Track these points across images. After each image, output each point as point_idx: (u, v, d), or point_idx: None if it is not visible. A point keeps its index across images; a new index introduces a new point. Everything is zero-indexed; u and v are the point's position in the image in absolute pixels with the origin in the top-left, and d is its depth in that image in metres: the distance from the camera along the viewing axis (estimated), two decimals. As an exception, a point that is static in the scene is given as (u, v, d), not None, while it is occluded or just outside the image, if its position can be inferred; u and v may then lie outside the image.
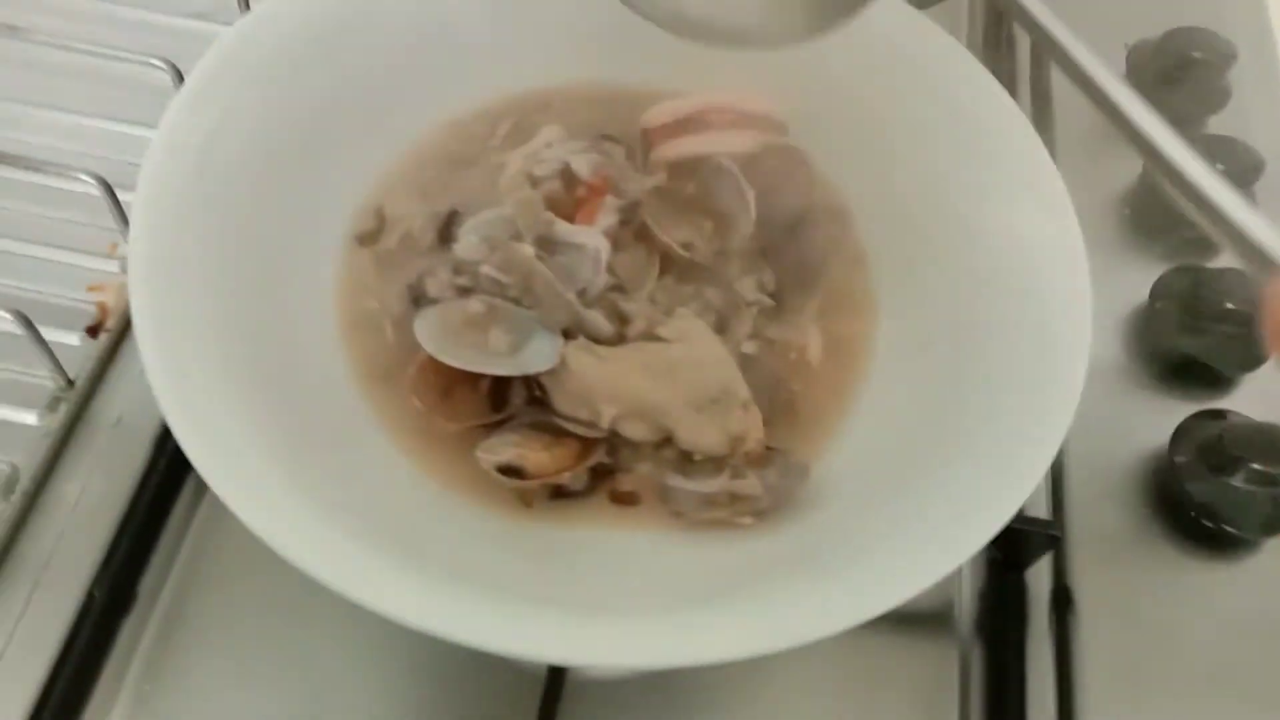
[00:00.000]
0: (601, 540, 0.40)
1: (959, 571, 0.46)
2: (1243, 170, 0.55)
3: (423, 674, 0.43)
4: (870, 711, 0.44)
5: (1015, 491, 0.35)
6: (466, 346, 0.41)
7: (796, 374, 0.44)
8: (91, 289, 0.50)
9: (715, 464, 0.41)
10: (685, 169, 0.46)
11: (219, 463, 0.34)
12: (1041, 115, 0.60)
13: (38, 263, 0.51)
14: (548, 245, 0.43)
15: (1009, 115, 0.44)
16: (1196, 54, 0.59)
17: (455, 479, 0.41)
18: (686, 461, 0.42)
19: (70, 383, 0.47)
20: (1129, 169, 0.57)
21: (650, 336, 0.42)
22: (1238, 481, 0.46)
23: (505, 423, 0.42)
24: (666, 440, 0.42)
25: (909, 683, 0.44)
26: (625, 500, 0.42)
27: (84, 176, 0.48)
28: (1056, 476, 0.48)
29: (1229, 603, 0.46)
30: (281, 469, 0.35)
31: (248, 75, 0.43)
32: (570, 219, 0.44)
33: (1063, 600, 0.45)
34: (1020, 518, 0.43)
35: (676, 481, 0.41)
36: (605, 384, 0.41)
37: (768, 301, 0.45)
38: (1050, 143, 0.57)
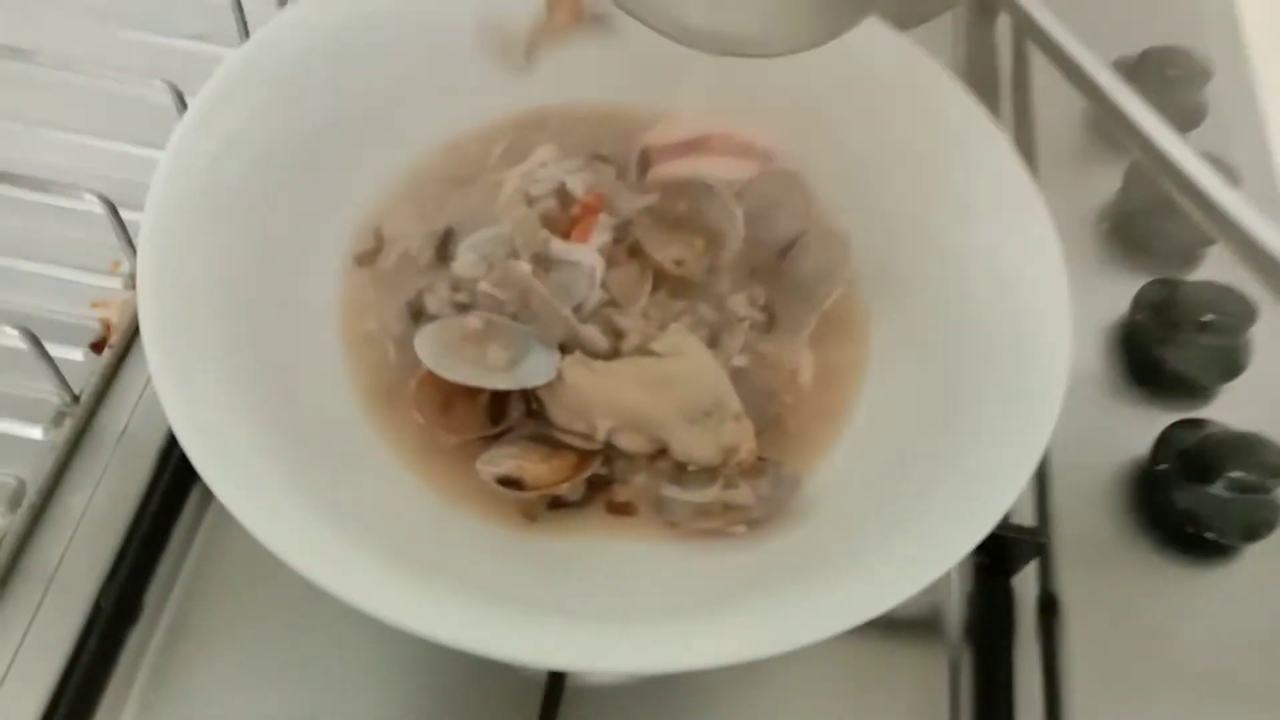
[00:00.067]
0: (599, 549, 0.41)
1: (948, 578, 0.46)
2: (1219, 185, 0.55)
3: (425, 681, 0.43)
4: (863, 715, 0.44)
5: (999, 500, 0.36)
6: (465, 361, 0.42)
7: (788, 387, 0.45)
8: (95, 305, 0.51)
9: (709, 474, 0.42)
10: (678, 189, 0.47)
11: (224, 471, 0.35)
12: (1024, 133, 0.61)
13: (42, 280, 0.51)
14: (544, 262, 0.44)
15: (991, 137, 0.45)
16: (1172, 72, 0.60)
17: (457, 490, 0.41)
18: (681, 472, 0.42)
19: (75, 398, 0.47)
20: (1110, 185, 0.58)
21: (644, 351, 0.43)
22: (1218, 489, 0.46)
23: (504, 435, 0.43)
24: (661, 452, 0.42)
25: (901, 687, 0.44)
26: (621, 510, 0.42)
27: (87, 195, 0.49)
28: (1042, 485, 0.49)
29: (1212, 607, 0.46)
30: (286, 478, 0.36)
31: (251, 99, 0.44)
32: (565, 237, 0.45)
33: (1049, 605, 0.46)
34: (1007, 525, 0.44)
35: (671, 492, 0.42)
36: (601, 397, 0.41)
37: (759, 316, 0.46)
38: (1032, 160, 0.59)
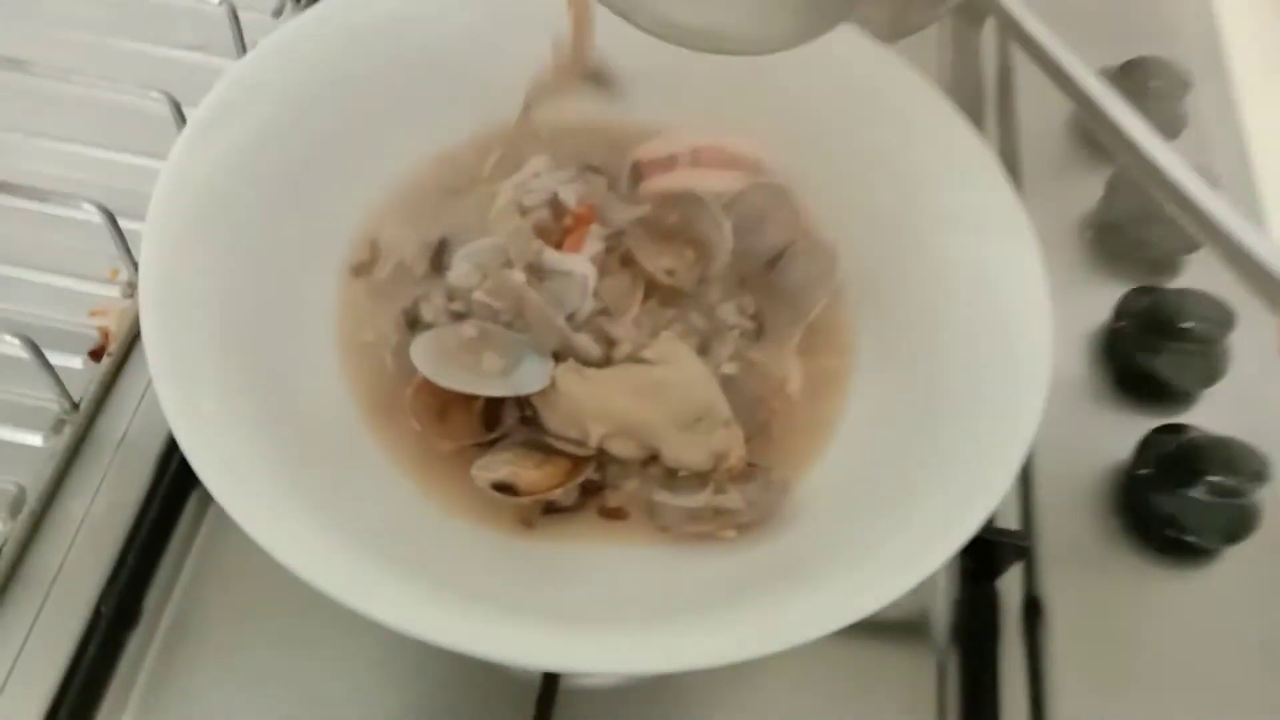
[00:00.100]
0: (592, 553, 0.42)
1: (934, 581, 0.46)
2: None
3: (421, 683, 0.44)
4: (852, 716, 0.44)
5: (983, 504, 0.37)
6: (461, 369, 0.42)
7: (776, 395, 0.46)
8: (94, 314, 0.51)
9: (699, 480, 0.42)
10: (669, 201, 0.48)
11: (224, 476, 0.35)
12: (1008, 142, 0.61)
13: (41, 288, 0.51)
14: (537, 272, 0.45)
15: (975, 150, 0.45)
16: (1154, 83, 0.60)
17: (453, 496, 0.42)
18: (672, 478, 0.43)
19: (74, 405, 0.47)
20: (1092, 194, 0.58)
21: (636, 359, 0.43)
22: (1198, 493, 0.46)
23: (499, 442, 0.43)
24: (652, 457, 0.43)
25: (888, 689, 0.45)
26: (614, 515, 0.43)
27: (86, 205, 0.49)
28: (1026, 489, 0.49)
29: (1192, 609, 0.47)
30: (285, 484, 0.37)
31: (249, 112, 0.44)
32: (558, 247, 0.46)
33: (1033, 608, 0.46)
34: (992, 529, 0.44)
35: (662, 497, 0.42)
36: (593, 404, 0.42)
37: (748, 325, 0.47)
38: (1016, 169, 0.59)
